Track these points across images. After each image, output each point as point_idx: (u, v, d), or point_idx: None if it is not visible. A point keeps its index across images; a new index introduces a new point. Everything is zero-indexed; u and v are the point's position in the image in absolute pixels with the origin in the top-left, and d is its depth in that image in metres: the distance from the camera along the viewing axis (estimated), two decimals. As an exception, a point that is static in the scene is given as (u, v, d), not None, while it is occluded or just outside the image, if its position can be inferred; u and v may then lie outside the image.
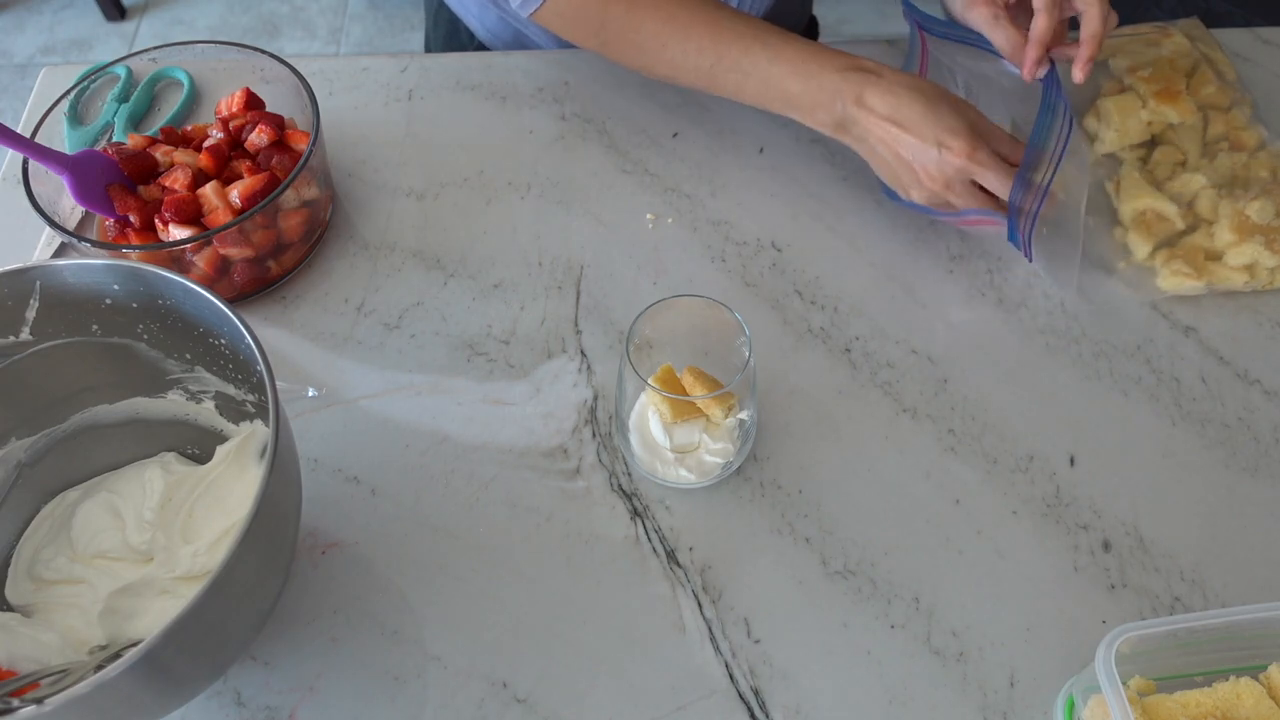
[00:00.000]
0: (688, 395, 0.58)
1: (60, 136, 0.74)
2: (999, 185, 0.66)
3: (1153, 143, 0.77)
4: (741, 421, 0.61)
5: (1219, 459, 0.64)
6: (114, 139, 0.76)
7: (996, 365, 0.68)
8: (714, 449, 0.61)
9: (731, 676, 0.56)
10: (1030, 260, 0.68)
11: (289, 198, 0.67)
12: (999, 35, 0.69)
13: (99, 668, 0.41)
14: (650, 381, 0.57)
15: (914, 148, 0.65)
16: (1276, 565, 0.60)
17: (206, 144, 0.70)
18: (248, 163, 0.69)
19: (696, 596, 0.59)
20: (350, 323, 0.70)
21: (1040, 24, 0.67)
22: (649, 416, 0.61)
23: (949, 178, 0.65)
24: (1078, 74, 0.67)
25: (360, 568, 0.60)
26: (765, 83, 0.69)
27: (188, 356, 0.58)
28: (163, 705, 0.49)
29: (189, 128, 0.74)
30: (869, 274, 0.72)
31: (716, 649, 0.57)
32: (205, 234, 0.64)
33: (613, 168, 0.78)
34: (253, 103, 0.73)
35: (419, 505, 0.62)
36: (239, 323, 0.50)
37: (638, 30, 0.71)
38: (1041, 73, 0.68)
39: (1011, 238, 0.68)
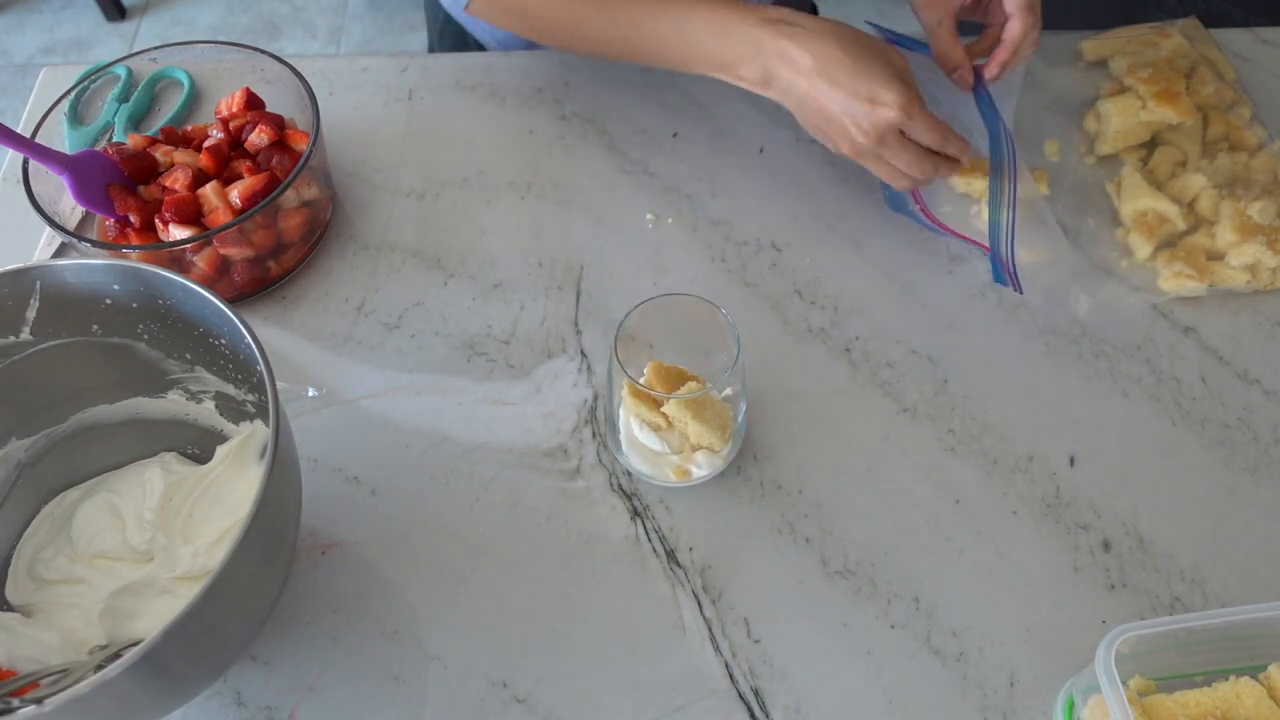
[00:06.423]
0: (659, 393, 0.57)
1: (60, 136, 0.74)
2: (932, 138, 0.65)
3: (1153, 143, 0.77)
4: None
5: (1219, 459, 0.64)
6: (114, 139, 0.76)
7: (996, 365, 0.68)
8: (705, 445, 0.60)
9: (731, 676, 0.56)
10: (1020, 292, 0.68)
11: (289, 198, 0.67)
12: (935, 43, 0.71)
13: (99, 668, 0.41)
14: (629, 380, 0.57)
15: (843, 102, 0.64)
16: (1276, 565, 0.60)
17: (206, 144, 0.70)
18: (248, 163, 0.69)
19: (696, 596, 0.59)
20: (350, 323, 0.70)
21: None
22: (632, 422, 0.61)
23: (882, 132, 0.64)
24: (991, 71, 0.70)
25: (360, 568, 0.60)
26: (684, 43, 0.68)
27: (188, 356, 0.58)
28: (162, 705, 0.49)
29: (189, 128, 0.74)
30: (869, 274, 0.72)
31: (716, 649, 0.57)
32: (205, 234, 0.64)
33: (613, 168, 0.78)
34: (253, 103, 0.73)
35: (419, 505, 0.62)
36: (239, 323, 0.50)
37: (555, 9, 0.71)
38: (969, 80, 0.71)
39: (997, 278, 0.69)
